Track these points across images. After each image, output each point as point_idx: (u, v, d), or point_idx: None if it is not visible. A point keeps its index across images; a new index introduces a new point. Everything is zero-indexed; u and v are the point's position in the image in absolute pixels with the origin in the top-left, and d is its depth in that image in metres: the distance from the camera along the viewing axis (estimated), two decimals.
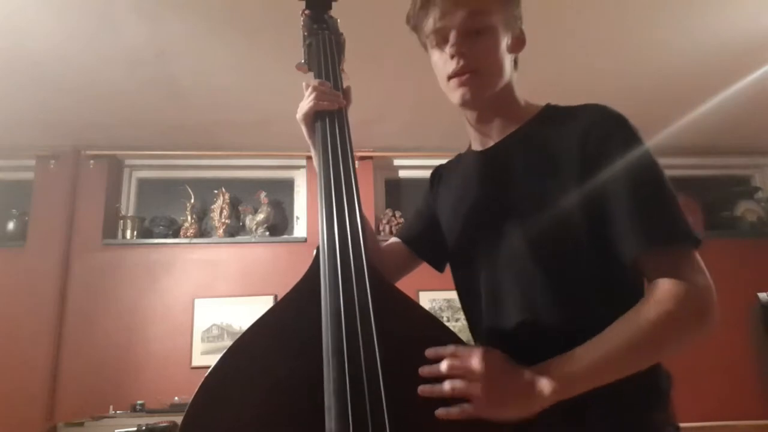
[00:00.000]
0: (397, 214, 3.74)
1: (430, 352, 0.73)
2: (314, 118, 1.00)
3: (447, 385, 0.70)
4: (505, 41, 0.90)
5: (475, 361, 0.70)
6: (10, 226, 3.52)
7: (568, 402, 0.77)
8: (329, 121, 0.97)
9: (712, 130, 3.57)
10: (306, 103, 1.00)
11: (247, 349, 0.75)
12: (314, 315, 0.74)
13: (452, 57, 0.88)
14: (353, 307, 0.72)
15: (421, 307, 0.83)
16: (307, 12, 1.19)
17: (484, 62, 0.88)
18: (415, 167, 3.94)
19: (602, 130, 0.83)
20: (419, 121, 3.43)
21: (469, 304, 0.96)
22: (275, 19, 2.44)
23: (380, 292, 0.75)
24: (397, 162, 3.96)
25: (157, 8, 2.36)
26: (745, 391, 3.40)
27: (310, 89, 1.01)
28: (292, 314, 0.78)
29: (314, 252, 0.82)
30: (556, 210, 0.82)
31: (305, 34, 1.19)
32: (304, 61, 1.18)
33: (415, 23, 0.94)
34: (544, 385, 0.70)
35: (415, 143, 3.73)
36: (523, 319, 0.83)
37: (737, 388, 3.39)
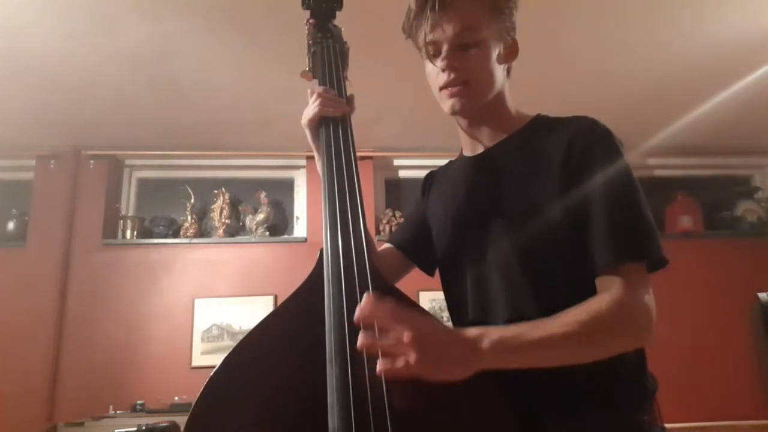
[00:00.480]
0: (397, 214, 3.74)
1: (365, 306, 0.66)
2: (319, 124, 1.02)
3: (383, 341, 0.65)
4: (496, 52, 0.93)
5: (407, 322, 0.65)
6: (10, 226, 3.52)
7: (560, 403, 0.79)
8: (333, 128, 1.00)
9: (712, 130, 3.57)
10: (311, 109, 1.02)
11: (252, 350, 0.77)
12: (318, 316, 0.75)
13: (443, 70, 0.91)
14: (356, 307, 0.73)
15: (423, 309, 0.85)
16: (312, 21, 1.22)
17: (475, 75, 0.91)
18: (415, 167, 3.93)
19: (586, 142, 0.86)
20: (419, 121, 3.42)
21: (455, 307, 0.98)
22: (275, 19, 2.45)
23: (382, 293, 0.76)
24: (397, 162, 3.97)
25: (157, 8, 2.36)
26: (745, 391, 3.40)
27: (315, 96, 1.03)
28: (296, 315, 0.80)
29: (318, 254, 0.84)
30: (540, 217, 0.85)
31: (310, 42, 1.21)
32: (309, 69, 1.21)
33: (410, 33, 0.96)
34: (479, 342, 0.69)
35: (415, 143, 3.73)
36: (510, 323, 0.84)
37: (737, 388, 3.39)
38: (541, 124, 0.95)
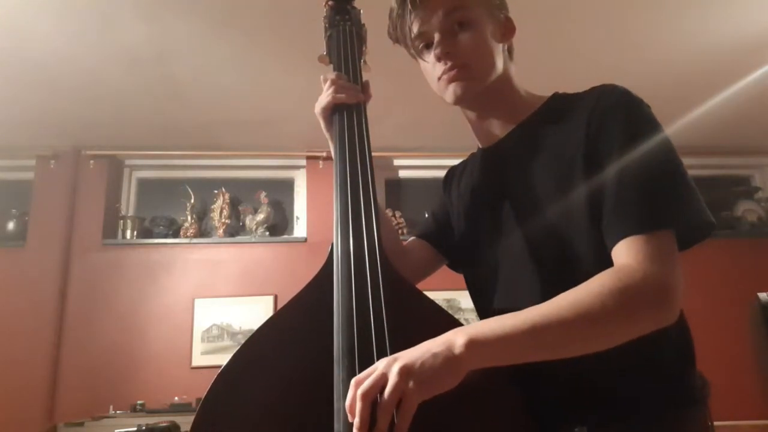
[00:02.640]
0: (397, 214, 3.74)
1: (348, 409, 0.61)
2: (332, 111, 0.97)
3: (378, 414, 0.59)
4: (490, 31, 0.88)
5: (380, 366, 0.61)
6: (10, 226, 3.52)
7: (582, 409, 0.73)
8: (347, 116, 0.95)
9: (712, 130, 3.57)
10: (324, 96, 0.98)
11: (260, 349, 0.74)
12: (326, 314, 0.72)
13: (439, 60, 0.86)
14: (366, 308, 0.70)
15: (438, 306, 0.80)
16: (330, 3, 1.16)
17: (472, 55, 0.86)
18: (415, 167, 3.94)
19: (604, 109, 0.78)
20: (419, 121, 3.43)
21: (482, 307, 0.94)
22: (275, 19, 2.45)
23: (395, 292, 0.73)
24: (397, 162, 3.96)
25: (157, 8, 2.36)
26: (745, 391, 3.40)
27: (328, 83, 0.98)
28: (304, 313, 0.77)
29: (329, 249, 0.80)
30: (563, 203, 0.79)
31: (326, 25, 1.15)
32: (326, 53, 1.15)
33: (396, 36, 0.92)
34: (453, 345, 0.62)
35: (415, 143, 3.73)
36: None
37: (737, 388, 3.39)
38: (557, 105, 0.88)
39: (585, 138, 0.78)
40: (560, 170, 0.80)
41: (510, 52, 0.93)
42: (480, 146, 0.98)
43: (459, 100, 0.88)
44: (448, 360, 0.61)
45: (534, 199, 0.82)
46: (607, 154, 0.75)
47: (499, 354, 0.64)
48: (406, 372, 0.59)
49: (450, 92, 0.87)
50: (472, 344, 0.63)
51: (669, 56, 2.84)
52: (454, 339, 0.63)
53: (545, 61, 2.69)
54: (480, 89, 0.87)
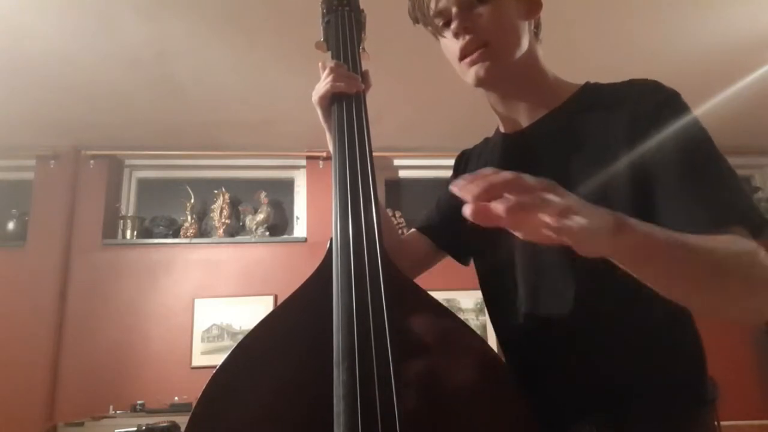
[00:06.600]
0: (397, 214, 3.74)
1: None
2: (330, 101, 0.93)
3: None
4: (513, 6, 0.83)
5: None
6: (10, 226, 3.52)
7: (595, 410, 0.72)
8: (346, 106, 0.92)
9: (713, 130, 3.55)
10: (322, 85, 0.94)
11: (256, 348, 0.71)
12: (325, 312, 0.70)
13: (457, 36, 0.82)
14: (366, 306, 0.68)
15: (440, 304, 0.77)
16: None
17: (493, 33, 0.81)
18: (415, 167, 3.93)
19: (652, 107, 0.75)
20: (419, 121, 3.43)
21: (497, 297, 0.90)
22: (275, 19, 2.45)
23: (395, 289, 0.71)
24: (397, 162, 3.96)
25: (157, 8, 2.36)
26: (745, 391, 3.40)
27: (327, 71, 0.95)
28: (303, 311, 0.74)
29: (328, 245, 0.78)
30: (602, 194, 0.74)
31: (324, 11, 1.11)
32: (323, 40, 1.10)
33: (416, 15, 0.88)
34: (624, 219, 0.54)
35: (415, 143, 3.73)
36: (565, 309, 0.76)
37: (737, 388, 3.39)
38: (591, 96, 0.84)
39: (628, 133, 0.75)
40: (599, 162, 0.76)
41: (537, 30, 0.89)
42: (502, 130, 0.94)
43: (481, 83, 0.83)
44: (609, 233, 0.53)
45: (568, 189, 0.79)
46: (663, 154, 0.73)
47: (642, 255, 0.56)
48: (580, 218, 0.49)
49: (472, 74, 0.83)
50: (636, 232, 0.55)
51: (668, 56, 2.83)
52: (625, 219, 0.55)
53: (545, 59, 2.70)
54: (504, 70, 0.83)
